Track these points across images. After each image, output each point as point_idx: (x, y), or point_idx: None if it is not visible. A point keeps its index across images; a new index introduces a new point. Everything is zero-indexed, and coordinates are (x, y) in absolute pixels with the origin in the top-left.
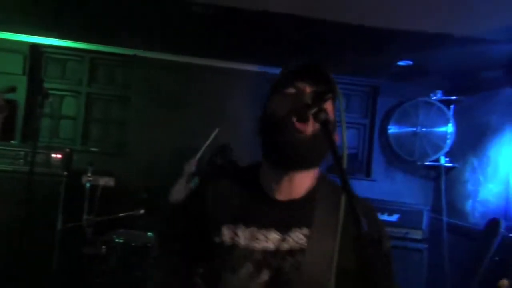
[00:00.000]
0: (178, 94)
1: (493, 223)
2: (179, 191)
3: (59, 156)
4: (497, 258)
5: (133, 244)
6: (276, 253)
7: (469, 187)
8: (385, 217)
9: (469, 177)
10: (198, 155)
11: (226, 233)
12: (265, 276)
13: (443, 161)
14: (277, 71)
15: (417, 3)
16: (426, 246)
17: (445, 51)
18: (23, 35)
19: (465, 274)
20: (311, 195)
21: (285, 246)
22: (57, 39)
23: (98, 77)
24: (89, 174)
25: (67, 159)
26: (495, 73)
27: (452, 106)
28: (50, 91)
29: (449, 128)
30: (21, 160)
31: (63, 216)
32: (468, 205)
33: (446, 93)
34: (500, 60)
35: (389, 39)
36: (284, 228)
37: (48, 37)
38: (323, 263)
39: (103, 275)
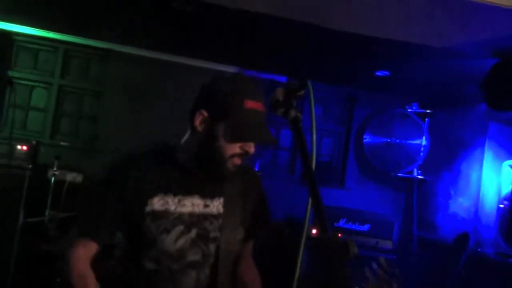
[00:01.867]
0: (152, 90)
1: (462, 237)
2: None
3: (24, 148)
4: (464, 272)
5: None
6: (201, 215)
7: (440, 200)
8: (356, 226)
9: (440, 190)
10: None
11: (157, 202)
12: (193, 234)
13: (415, 173)
14: (254, 73)
15: (398, 13)
16: (395, 257)
17: (422, 63)
18: None
19: (434, 286)
20: None
21: (208, 210)
22: (30, 27)
23: (71, 70)
24: (55, 168)
25: (33, 151)
26: (469, 88)
27: (426, 119)
28: (20, 81)
29: (423, 141)
30: None
31: (25, 211)
32: (438, 218)
33: (421, 106)
34: (474, 75)
35: (369, 47)
36: (205, 196)
37: (20, 24)
38: (235, 224)
39: (65, 273)
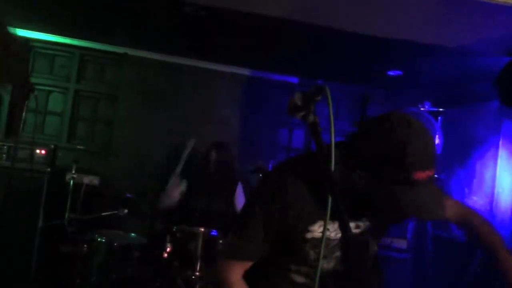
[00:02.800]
0: (167, 94)
1: None
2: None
3: (43, 152)
4: (479, 270)
5: (116, 244)
6: (353, 237)
7: (454, 198)
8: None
9: (454, 188)
10: (178, 169)
11: (317, 229)
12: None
13: None
14: (267, 75)
15: (410, 14)
16: (410, 255)
17: (434, 63)
18: (11, 27)
19: (449, 285)
20: None
21: (358, 231)
22: (46, 34)
23: (87, 74)
24: (73, 172)
25: (51, 155)
26: (482, 86)
27: (439, 118)
28: (37, 86)
29: (436, 139)
30: (4, 155)
31: (45, 213)
32: None
33: (434, 104)
34: (487, 73)
35: (381, 48)
36: (355, 218)
37: (37, 31)
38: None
39: (83, 275)
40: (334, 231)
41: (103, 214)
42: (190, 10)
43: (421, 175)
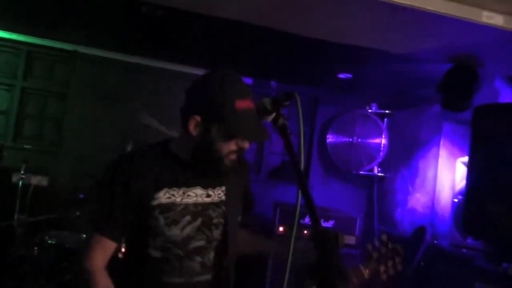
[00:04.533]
0: (119, 93)
1: (419, 231)
2: None
3: None
4: (422, 263)
5: (67, 246)
6: (204, 204)
7: (399, 196)
8: (321, 222)
9: (399, 186)
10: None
11: (163, 195)
12: (198, 222)
13: (376, 171)
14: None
15: (359, 20)
16: (359, 251)
17: (381, 67)
18: None
19: (394, 278)
20: None
21: (210, 199)
22: None
23: (35, 71)
24: (22, 172)
25: None
26: (425, 90)
27: (386, 119)
28: None
29: (383, 140)
30: None
31: None
32: (398, 213)
33: (380, 106)
34: (430, 78)
35: (331, 52)
36: (207, 187)
37: None
38: (237, 209)
39: (34, 277)
40: (179, 197)
41: (52, 215)
42: (147, 9)
43: (242, 103)
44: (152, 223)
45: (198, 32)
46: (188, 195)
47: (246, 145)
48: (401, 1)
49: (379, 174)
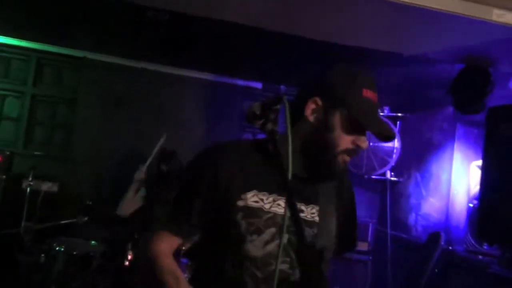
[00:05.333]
0: (126, 98)
1: (434, 236)
2: (128, 204)
3: None
4: (437, 270)
5: (75, 253)
6: (296, 220)
7: (412, 201)
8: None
9: (412, 191)
10: (148, 162)
11: (251, 197)
12: (284, 239)
13: (389, 175)
14: (231, 80)
15: (367, 21)
16: (370, 258)
17: (393, 69)
18: None
19: (407, 285)
20: None
21: (302, 215)
22: (1, 36)
23: (45, 78)
24: (30, 179)
25: (6, 162)
26: (437, 92)
27: (398, 122)
28: None
29: (395, 143)
30: None
31: (1, 222)
32: (411, 218)
33: (393, 109)
34: (442, 80)
35: (341, 55)
36: (300, 199)
37: None
38: (329, 235)
39: (41, 285)
40: (268, 204)
41: (61, 222)
42: (152, 14)
43: (370, 94)
44: (233, 227)
45: (205, 36)
46: (278, 204)
47: (364, 144)
48: (410, 1)
49: (392, 178)
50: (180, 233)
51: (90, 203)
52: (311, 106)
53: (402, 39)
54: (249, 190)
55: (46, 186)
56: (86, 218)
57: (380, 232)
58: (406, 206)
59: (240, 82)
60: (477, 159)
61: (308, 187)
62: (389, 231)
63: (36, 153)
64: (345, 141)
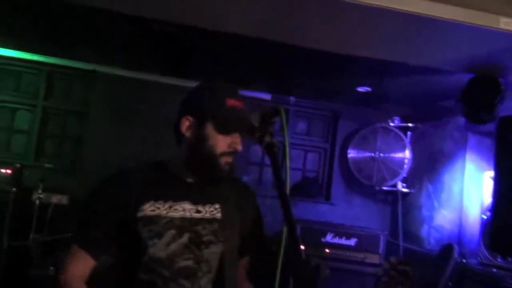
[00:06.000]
0: (137, 111)
1: (447, 249)
2: None
3: (8, 171)
4: (450, 284)
5: None
6: (192, 220)
7: (424, 212)
8: (343, 241)
9: (424, 202)
10: None
11: (148, 208)
12: (185, 238)
13: (400, 186)
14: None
15: (375, 32)
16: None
17: (402, 80)
18: None
19: None
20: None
21: (199, 215)
22: (12, 50)
23: (55, 91)
24: (39, 191)
25: (17, 174)
26: (448, 102)
27: (409, 133)
28: (3, 104)
29: (406, 154)
30: None
31: (10, 234)
32: (424, 230)
33: (403, 119)
34: (452, 89)
35: (349, 66)
36: (196, 202)
37: (3, 47)
38: (233, 229)
39: None
40: (165, 210)
41: (69, 234)
42: (158, 27)
43: (232, 102)
44: (135, 238)
45: (213, 48)
46: (175, 209)
47: (238, 145)
48: (417, 11)
49: (403, 189)
50: (91, 252)
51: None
52: (185, 124)
53: (410, 49)
54: (146, 201)
55: (56, 199)
56: None
57: (391, 244)
58: (418, 217)
59: (249, 93)
60: (489, 170)
61: (205, 190)
62: (401, 243)
63: (46, 165)
64: (221, 145)
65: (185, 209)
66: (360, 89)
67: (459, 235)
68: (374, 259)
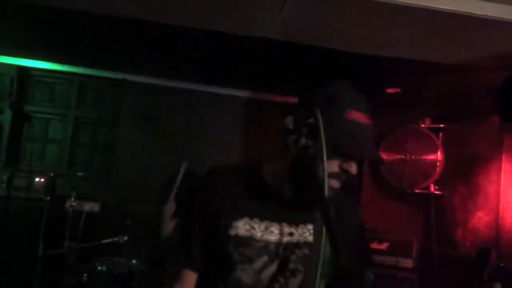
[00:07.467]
0: (167, 118)
1: (483, 252)
2: (167, 229)
3: (42, 180)
4: None
5: (116, 272)
6: (287, 245)
7: (459, 215)
8: (374, 245)
9: (458, 205)
10: (172, 195)
11: (242, 226)
12: (274, 266)
13: (432, 188)
14: (267, 96)
15: (405, 31)
16: (416, 275)
17: (432, 79)
18: (11, 57)
19: None
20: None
21: (294, 239)
22: (45, 62)
23: (86, 101)
24: (72, 199)
25: (50, 183)
26: (481, 101)
27: (440, 134)
28: (37, 115)
29: (438, 155)
30: (4, 184)
31: (45, 243)
32: (458, 233)
33: (434, 120)
34: (486, 88)
35: (377, 67)
36: (291, 223)
37: (36, 59)
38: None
39: None
40: (260, 232)
41: (102, 241)
42: (188, 34)
43: (356, 115)
44: (224, 258)
45: (241, 53)
46: (271, 231)
47: (352, 168)
48: (449, 8)
49: (436, 192)
50: (195, 268)
51: (130, 222)
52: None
53: (442, 47)
54: (240, 217)
55: (88, 206)
56: (126, 238)
57: (425, 248)
58: (452, 221)
59: (278, 98)
60: None
61: (301, 208)
62: (435, 247)
63: (78, 174)
64: (331, 165)
65: (282, 232)
66: (390, 90)
67: (496, 238)
68: (407, 264)
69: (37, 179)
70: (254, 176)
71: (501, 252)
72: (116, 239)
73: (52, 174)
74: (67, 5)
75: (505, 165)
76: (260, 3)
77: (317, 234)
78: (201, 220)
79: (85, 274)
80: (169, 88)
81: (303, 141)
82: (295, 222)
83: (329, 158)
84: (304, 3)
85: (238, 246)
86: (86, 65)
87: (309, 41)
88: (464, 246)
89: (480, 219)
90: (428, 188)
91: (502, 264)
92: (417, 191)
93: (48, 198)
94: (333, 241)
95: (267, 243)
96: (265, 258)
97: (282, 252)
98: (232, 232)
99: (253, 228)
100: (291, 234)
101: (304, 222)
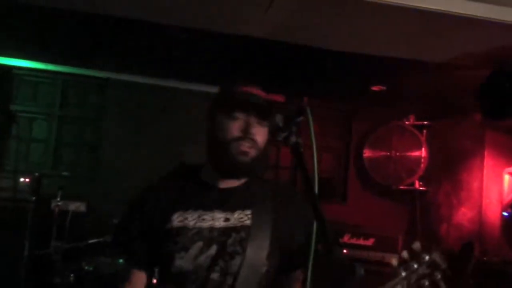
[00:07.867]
0: (152, 116)
1: (467, 247)
2: None
3: (27, 180)
4: (471, 282)
5: (103, 272)
6: (221, 229)
7: (443, 211)
8: (360, 241)
9: (442, 201)
10: None
11: (175, 219)
12: (212, 250)
13: (417, 185)
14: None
15: (391, 30)
16: None
17: (417, 77)
18: None
19: None
20: (248, 184)
21: (229, 224)
22: (29, 61)
23: (71, 100)
24: (58, 199)
25: (35, 183)
26: (464, 98)
27: (424, 131)
28: (21, 114)
29: (422, 152)
30: None
31: (31, 243)
32: (443, 229)
33: (418, 117)
34: (468, 86)
35: (362, 64)
36: (227, 210)
37: (19, 58)
38: (263, 238)
39: None
40: (193, 220)
41: (89, 241)
42: (171, 33)
43: (247, 89)
44: (164, 251)
45: (225, 51)
46: (203, 219)
47: (251, 129)
48: (433, 7)
49: (421, 188)
50: (140, 265)
51: (116, 221)
52: (206, 123)
53: (427, 46)
54: (176, 211)
55: (74, 206)
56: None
57: (410, 244)
58: (436, 216)
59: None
60: (509, 166)
61: (237, 196)
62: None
63: (64, 173)
64: (231, 130)
65: (214, 218)
66: (375, 88)
67: (480, 233)
68: (394, 259)
69: (22, 179)
70: (191, 173)
71: (485, 247)
72: (102, 239)
73: (37, 174)
74: (51, 4)
75: (487, 161)
76: (247, 1)
77: (256, 217)
78: (141, 226)
79: (71, 274)
80: (153, 86)
81: (293, 139)
82: (231, 208)
83: (226, 125)
84: (291, 2)
85: (173, 236)
86: (70, 64)
87: (295, 40)
88: (448, 241)
89: (464, 214)
90: (413, 184)
91: (485, 258)
92: (402, 187)
93: (33, 198)
94: (324, 232)
95: (200, 230)
96: (200, 244)
97: (218, 237)
98: (168, 225)
99: (186, 218)
100: (226, 219)
101: (242, 208)
